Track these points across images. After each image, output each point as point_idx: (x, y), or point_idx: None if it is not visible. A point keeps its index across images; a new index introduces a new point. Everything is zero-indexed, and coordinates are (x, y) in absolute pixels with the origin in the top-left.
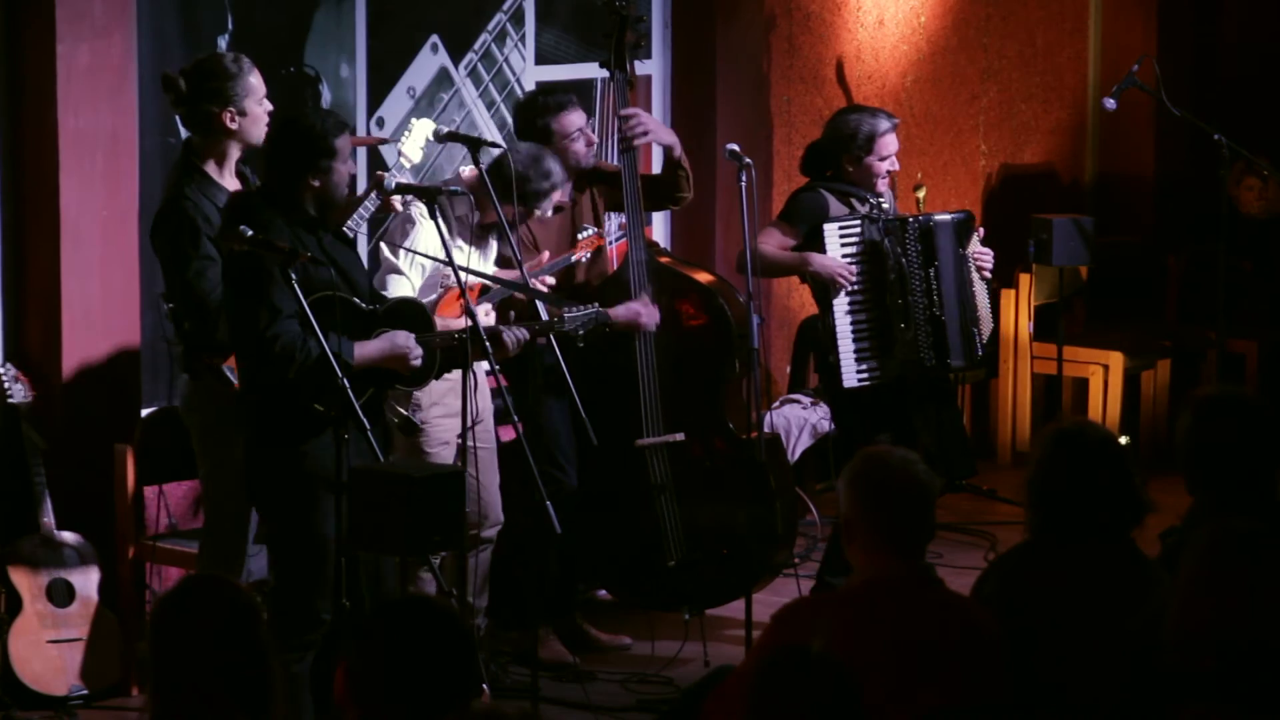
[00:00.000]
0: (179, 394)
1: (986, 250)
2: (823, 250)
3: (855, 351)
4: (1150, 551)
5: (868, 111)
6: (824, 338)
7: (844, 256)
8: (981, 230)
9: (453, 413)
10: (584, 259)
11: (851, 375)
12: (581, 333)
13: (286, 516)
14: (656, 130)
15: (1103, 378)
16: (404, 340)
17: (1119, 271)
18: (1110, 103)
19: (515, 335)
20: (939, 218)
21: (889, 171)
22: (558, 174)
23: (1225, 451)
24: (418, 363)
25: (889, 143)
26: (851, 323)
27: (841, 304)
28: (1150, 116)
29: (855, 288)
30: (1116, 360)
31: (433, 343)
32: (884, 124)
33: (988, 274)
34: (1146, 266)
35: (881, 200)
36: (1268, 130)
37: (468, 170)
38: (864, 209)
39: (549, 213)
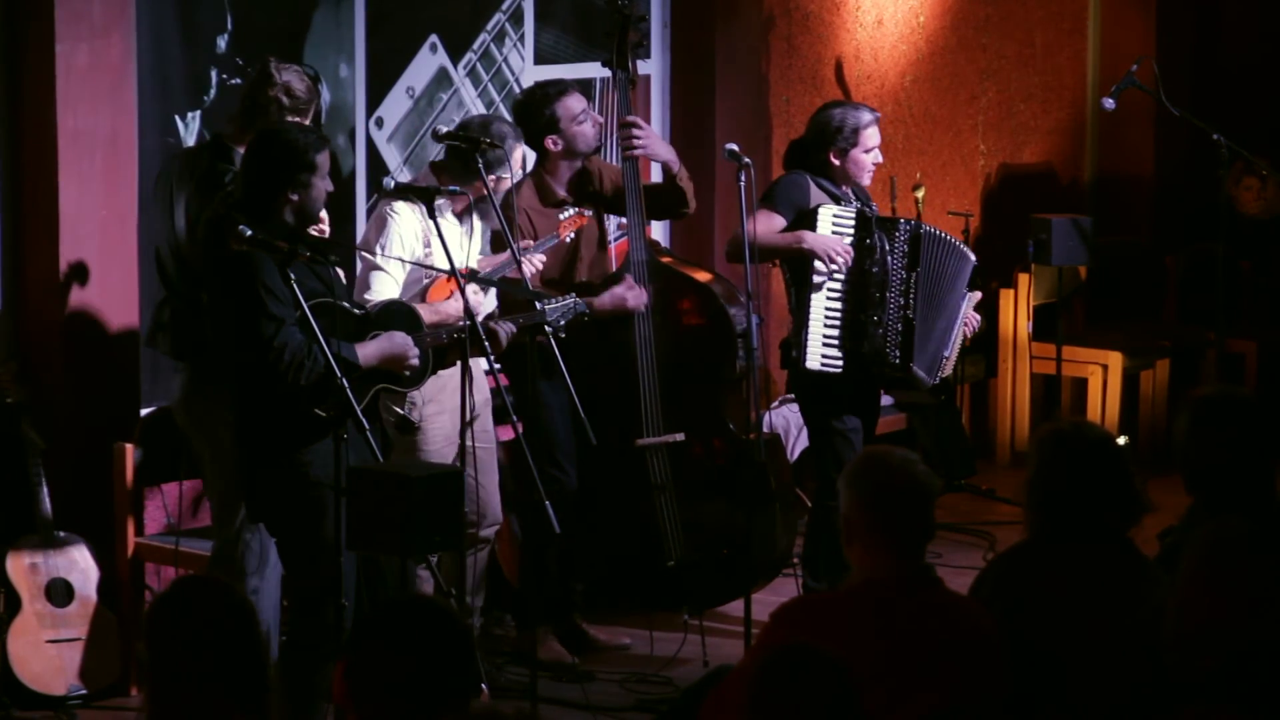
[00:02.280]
0: (176, 395)
1: (977, 315)
2: (814, 230)
3: (824, 336)
4: (1148, 551)
5: (849, 105)
6: (794, 318)
7: None
8: (979, 294)
9: (448, 410)
10: (569, 238)
11: (816, 358)
12: (563, 323)
13: (298, 530)
14: (654, 146)
15: (1101, 378)
16: (402, 340)
17: (1118, 271)
18: (1109, 103)
19: (506, 329)
20: (960, 246)
21: (874, 164)
22: (510, 134)
23: (1224, 451)
24: (415, 362)
25: (873, 135)
26: (827, 308)
27: (821, 287)
28: (1149, 116)
29: (839, 276)
30: (1115, 360)
31: (424, 342)
32: (866, 116)
33: (967, 332)
34: (1145, 266)
35: (871, 204)
36: (1266, 130)
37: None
38: (850, 203)
39: (510, 182)
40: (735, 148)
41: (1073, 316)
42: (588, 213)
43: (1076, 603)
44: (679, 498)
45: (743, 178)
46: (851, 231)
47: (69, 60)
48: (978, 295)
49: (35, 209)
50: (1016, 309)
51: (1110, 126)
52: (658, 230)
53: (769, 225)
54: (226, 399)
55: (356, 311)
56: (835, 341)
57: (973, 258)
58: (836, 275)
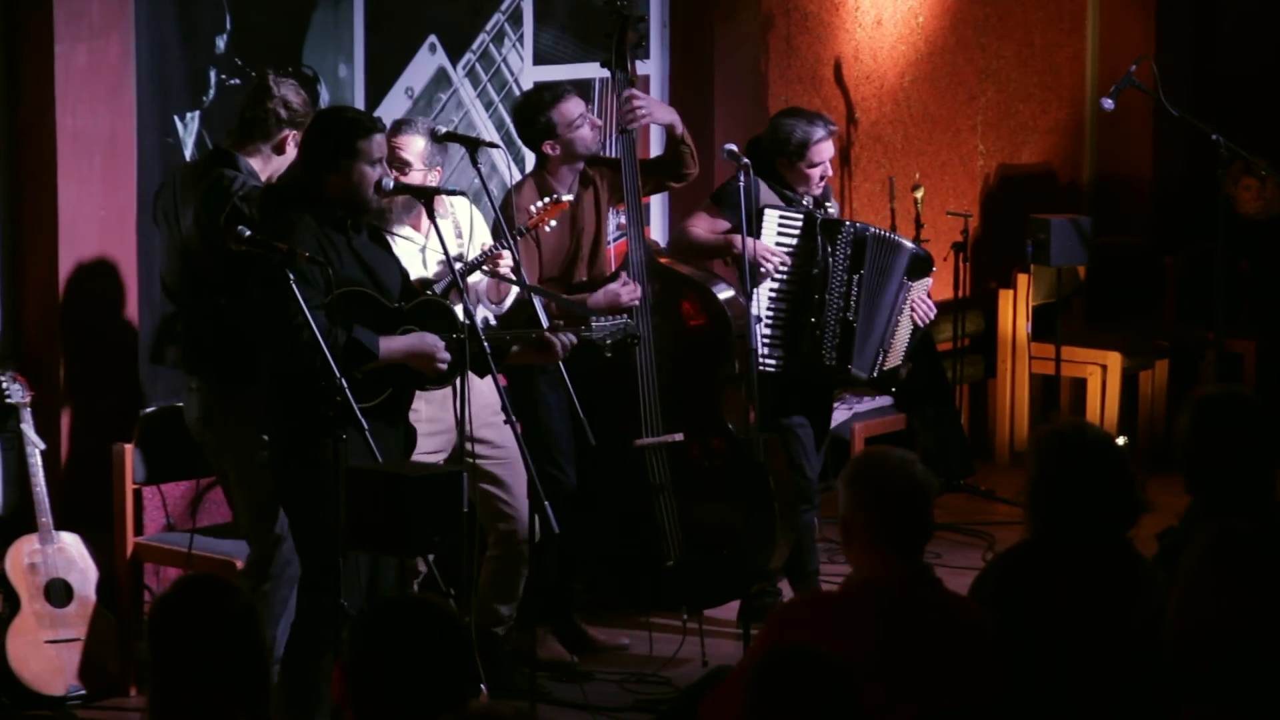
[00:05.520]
0: (195, 415)
1: (930, 302)
2: (757, 234)
3: (765, 338)
4: (1148, 551)
5: (805, 117)
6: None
7: (777, 244)
8: (930, 280)
9: (444, 429)
10: (549, 227)
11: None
12: (609, 343)
13: (313, 512)
14: (656, 110)
15: (1101, 378)
16: (433, 340)
17: (1117, 271)
18: (1108, 103)
19: (564, 340)
20: (899, 241)
21: (823, 177)
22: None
23: (1224, 451)
24: (443, 367)
25: (821, 150)
26: (767, 309)
27: (763, 290)
28: (1148, 117)
29: (781, 277)
30: (1114, 360)
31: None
32: (819, 132)
33: (919, 320)
34: (1144, 266)
35: (828, 205)
36: (1265, 130)
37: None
38: (799, 206)
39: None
40: (734, 148)
41: (1072, 317)
42: (566, 197)
43: (1076, 603)
44: (678, 498)
45: (741, 178)
46: (796, 234)
47: (68, 60)
48: (926, 282)
49: (34, 209)
50: (1015, 309)
51: (1109, 127)
52: (657, 230)
53: (711, 226)
54: (247, 409)
55: (389, 304)
56: (773, 341)
57: (909, 246)
58: (777, 277)
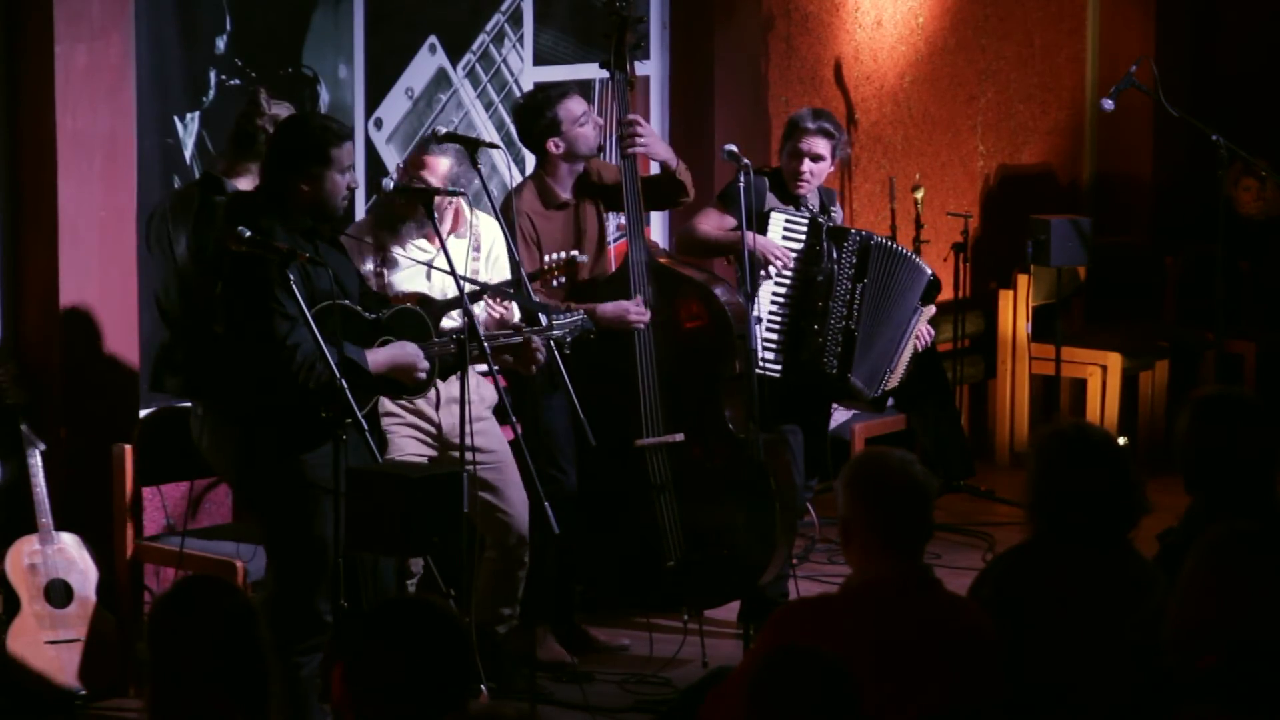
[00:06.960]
0: (204, 442)
1: (930, 328)
2: (763, 233)
3: (763, 340)
4: (1148, 552)
5: (812, 110)
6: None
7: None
8: (934, 309)
9: (411, 425)
10: (557, 284)
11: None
12: (569, 339)
13: (286, 520)
14: (653, 145)
15: (1101, 378)
16: (413, 350)
17: (1117, 272)
18: (1108, 103)
19: (539, 344)
20: (918, 262)
21: (802, 172)
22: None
23: (1224, 452)
24: (423, 376)
25: (806, 141)
26: (769, 312)
27: (766, 291)
28: (1148, 117)
29: (784, 281)
30: (1114, 361)
31: (432, 350)
32: (809, 123)
33: (919, 345)
34: (1144, 267)
35: (833, 210)
36: (1265, 131)
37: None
38: (805, 210)
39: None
40: (734, 148)
41: (1071, 317)
42: (582, 259)
43: (1076, 604)
44: (678, 498)
45: (741, 179)
46: (802, 238)
47: (68, 61)
48: (931, 310)
49: (34, 210)
50: (1015, 310)
51: (1109, 127)
52: (656, 231)
53: (719, 224)
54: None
55: (368, 315)
56: (775, 346)
57: (928, 271)
58: (781, 280)
